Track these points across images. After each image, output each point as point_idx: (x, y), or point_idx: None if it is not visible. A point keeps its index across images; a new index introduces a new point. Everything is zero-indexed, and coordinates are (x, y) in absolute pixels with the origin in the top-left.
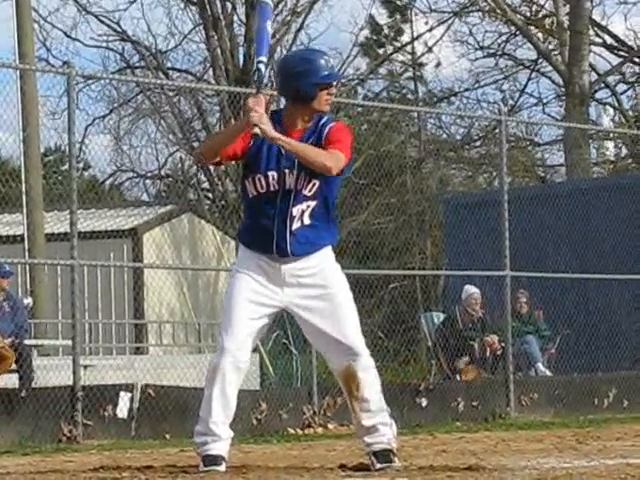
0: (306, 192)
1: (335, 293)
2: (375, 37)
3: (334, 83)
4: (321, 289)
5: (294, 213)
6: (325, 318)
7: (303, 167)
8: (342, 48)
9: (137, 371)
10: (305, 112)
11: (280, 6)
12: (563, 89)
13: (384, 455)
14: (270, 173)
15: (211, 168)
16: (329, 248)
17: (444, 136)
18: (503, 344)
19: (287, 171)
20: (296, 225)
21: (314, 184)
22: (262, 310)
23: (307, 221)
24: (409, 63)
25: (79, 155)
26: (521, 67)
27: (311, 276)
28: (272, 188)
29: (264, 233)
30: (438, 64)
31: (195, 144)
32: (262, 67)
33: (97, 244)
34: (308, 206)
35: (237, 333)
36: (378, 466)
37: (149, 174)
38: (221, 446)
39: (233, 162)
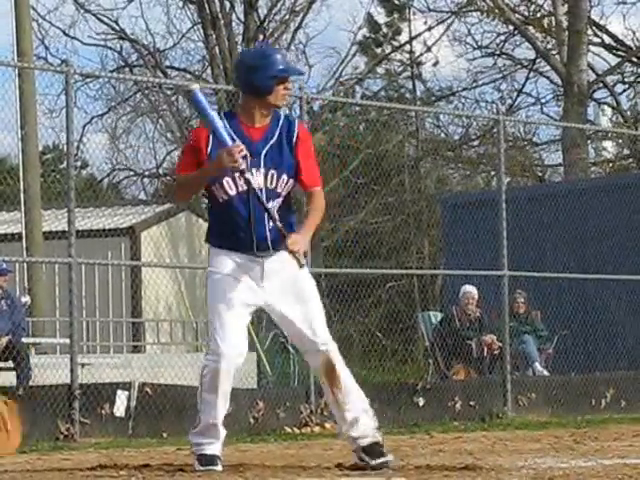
0: (277, 189)
1: (303, 282)
2: (373, 36)
3: (290, 78)
4: (293, 278)
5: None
6: (298, 309)
7: (270, 165)
8: (340, 47)
9: (134, 369)
10: (262, 106)
11: (279, 5)
12: (561, 89)
13: (374, 450)
14: (237, 174)
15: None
16: None
17: (442, 135)
18: (501, 344)
19: (254, 170)
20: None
21: (283, 180)
22: (248, 309)
23: (277, 216)
24: (407, 62)
25: (77, 153)
26: (519, 67)
27: (285, 269)
28: (241, 188)
29: (241, 234)
30: (436, 62)
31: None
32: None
33: (95, 242)
34: (277, 202)
35: (231, 336)
36: (373, 463)
37: (147, 172)
38: (217, 446)
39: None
